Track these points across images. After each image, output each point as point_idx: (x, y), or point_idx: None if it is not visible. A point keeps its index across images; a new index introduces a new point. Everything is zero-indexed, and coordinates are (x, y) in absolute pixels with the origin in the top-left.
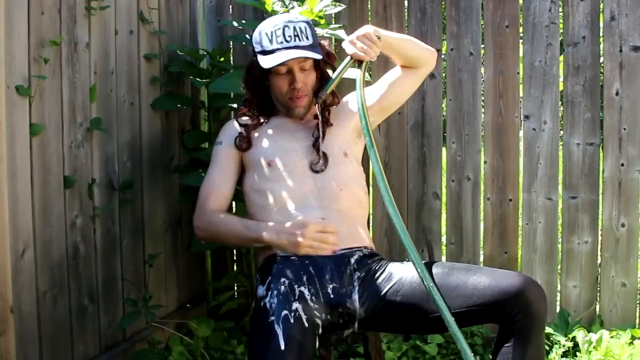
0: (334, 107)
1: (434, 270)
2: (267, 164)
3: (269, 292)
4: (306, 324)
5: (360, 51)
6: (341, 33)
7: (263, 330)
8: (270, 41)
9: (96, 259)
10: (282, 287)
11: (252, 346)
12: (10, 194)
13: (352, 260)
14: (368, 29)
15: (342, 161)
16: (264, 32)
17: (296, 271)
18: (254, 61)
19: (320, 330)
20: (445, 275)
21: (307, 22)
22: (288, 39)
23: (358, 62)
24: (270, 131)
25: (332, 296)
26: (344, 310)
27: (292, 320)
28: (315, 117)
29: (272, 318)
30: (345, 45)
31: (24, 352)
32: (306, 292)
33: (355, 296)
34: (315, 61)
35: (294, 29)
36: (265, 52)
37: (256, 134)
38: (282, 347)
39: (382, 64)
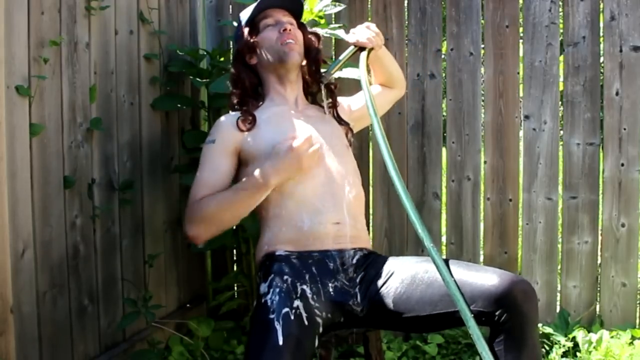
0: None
1: (423, 267)
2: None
3: (271, 290)
4: (306, 322)
5: (361, 39)
6: (341, 33)
7: (262, 326)
8: (255, 6)
9: (96, 259)
10: (284, 285)
11: (250, 341)
12: (10, 194)
13: (354, 260)
14: (370, 23)
15: (346, 152)
16: (248, 7)
17: (298, 269)
18: (239, 42)
19: (321, 329)
20: (432, 273)
21: None
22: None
23: (361, 49)
24: (270, 120)
25: (333, 295)
26: (345, 309)
27: (292, 317)
28: (314, 102)
29: (273, 315)
30: (349, 35)
31: (23, 352)
32: (308, 290)
33: (357, 295)
34: (301, 30)
35: None
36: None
37: (255, 123)
38: (280, 342)
39: None
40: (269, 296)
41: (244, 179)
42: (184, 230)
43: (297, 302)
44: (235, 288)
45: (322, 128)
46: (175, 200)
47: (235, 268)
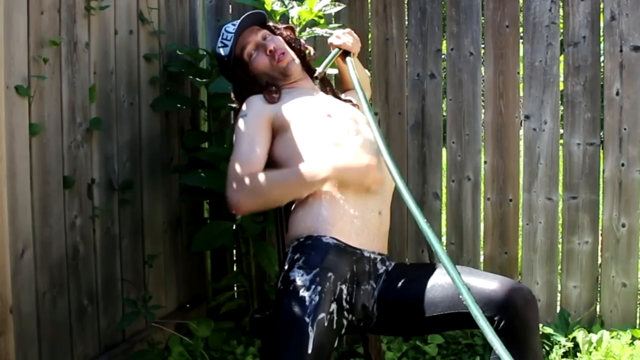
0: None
1: (425, 271)
2: (327, 115)
3: (312, 286)
4: (334, 326)
5: (348, 43)
6: (327, 32)
7: (294, 325)
8: (224, 47)
9: (96, 259)
10: (327, 284)
11: (275, 333)
12: (9, 194)
13: (383, 267)
14: (351, 30)
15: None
16: (218, 52)
17: (342, 266)
18: (236, 80)
19: (343, 331)
20: (435, 277)
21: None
22: (229, 35)
23: (344, 53)
24: (294, 95)
25: (362, 296)
26: (366, 312)
27: (325, 324)
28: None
29: (308, 319)
30: (332, 39)
31: (23, 353)
32: (345, 291)
33: (376, 299)
34: (275, 34)
35: (225, 29)
36: (226, 59)
37: (280, 93)
38: (309, 351)
39: (382, 64)
40: (308, 293)
41: (306, 163)
42: (226, 196)
43: (333, 306)
44: (235, 288)
45: (341, 103)
46: (175, 200)
47: (235, 268)
